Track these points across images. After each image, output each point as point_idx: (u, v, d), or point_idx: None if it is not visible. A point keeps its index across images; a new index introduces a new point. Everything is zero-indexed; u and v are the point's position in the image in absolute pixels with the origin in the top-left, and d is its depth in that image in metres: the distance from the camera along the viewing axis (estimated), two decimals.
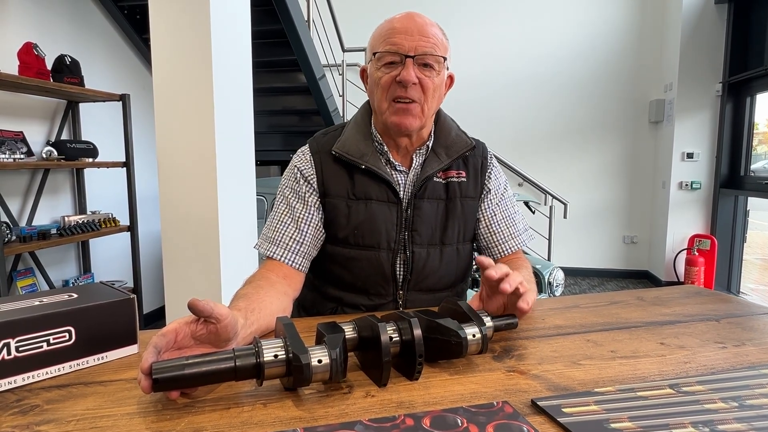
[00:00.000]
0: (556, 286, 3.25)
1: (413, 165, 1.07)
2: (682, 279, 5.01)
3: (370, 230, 1.03)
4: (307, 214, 1.03)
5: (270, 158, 4.99)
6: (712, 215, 4.97)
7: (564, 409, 0.59)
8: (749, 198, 4.77)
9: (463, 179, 1.09)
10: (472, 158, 1.12)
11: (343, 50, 4.57)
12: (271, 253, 1.00)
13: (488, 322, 0.76)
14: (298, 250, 1.01)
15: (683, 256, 5.04)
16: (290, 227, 1.02)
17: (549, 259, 4.51)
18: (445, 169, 1.08)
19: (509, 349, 0.79)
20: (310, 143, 1.10)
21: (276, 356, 0.61)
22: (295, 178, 1.07)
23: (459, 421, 0.56)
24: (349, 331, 0.71)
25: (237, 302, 0.81)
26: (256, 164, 2.58)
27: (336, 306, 1.09)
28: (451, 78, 1.07)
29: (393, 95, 0.99)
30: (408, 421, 0.56)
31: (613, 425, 0.55)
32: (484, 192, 1.12)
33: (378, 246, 1.02)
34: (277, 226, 1.03)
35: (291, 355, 0.61)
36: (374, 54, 1.00)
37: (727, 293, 3.40)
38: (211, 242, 2.25)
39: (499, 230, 1.10)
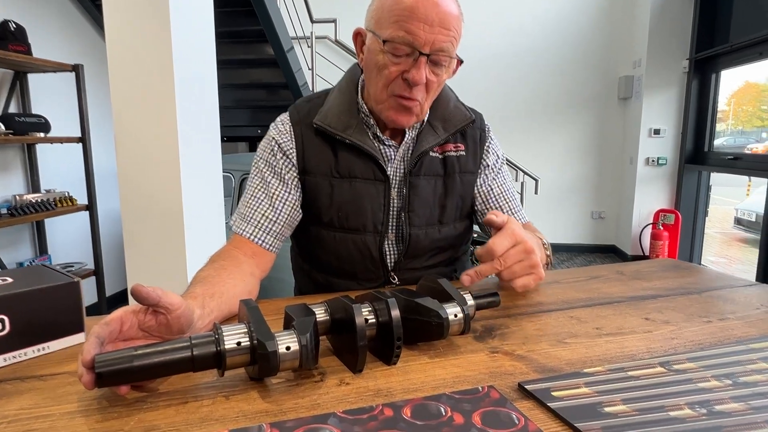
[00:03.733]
0: None
1: (405, 139, 0.99)
2: (647, 253, 5.14)
3: (354, 212, 0.95)
4: (283, 192, 0.95)
5: (237, 134, 4.82)
6: (676, 190, 5.09)
7: (553, 393, 0.55)
8: (711, 173, 4.89)
9: (461, 153, 1.02)
10: (471, 130, 1.04)
11: (312, 21, 4.40)
12: (241, 231, 0.93)
13: (470, 300, 0.71)
14: (270, 229, 0.93)
15: (648, 230, 5.15)
16: (263, 204, 0.94)
17: None
18: (442, 143, 1.00)
19: (491, 328, 0.75)
20: (291, 112, 1.00)
21: (239, 343, 0.55)
22: (272, 151, 0.97)
23: (442, 410, 0.52)
24: (320, 314, 0.65)
25: (194, 287, 0.74)
26: (223, 140, 2.46)
27: (327, 292, 1.02)
28: (458, 63, 0.90)
29: (395, 91, 0.87)
30: (387, 412, 0.51)
31: (607, 409, 0.52)
32: (482, 167, 1.05)
33: (363, 229, 0.96)
34: (250, 201, 0.95)
35: (256, 341, 0.54)
36: (382, 37, 0.84)
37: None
38: (175, 221, 2.15)
39: (497, 205, 1.05)
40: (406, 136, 0.98)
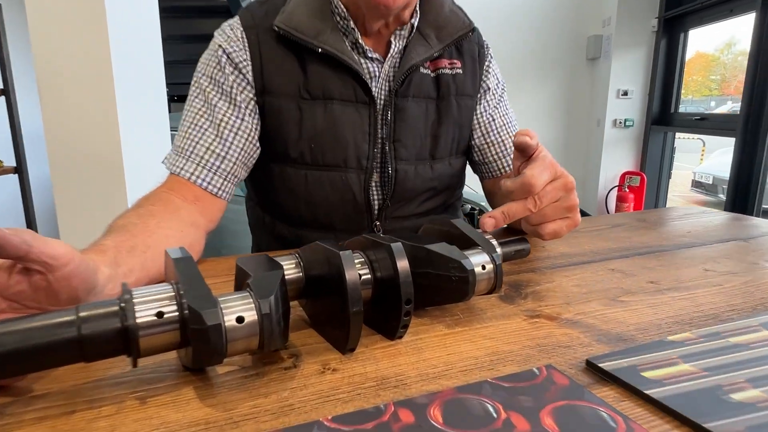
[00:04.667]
0: None
1: (391, 52, 0.77)
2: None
3: (332, 143, 0.74)
4: (234, 119, 0.72)
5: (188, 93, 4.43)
6: (642, 152, 5.07)
7: (644, 373, 0.37)
8: (676, 135, 4.89)
9: (458, 71, 0.81)
10: (468, 45, 0.83)
11: None
12: (178, 169, 0.70)
13: (497, 247, 0.53)
14: (218, 167, 0.70)
15: (614, 193, 5.14)
16: (208, 135, 0.71)
17: None
18: (435, 58, 0.79)
19: (517, 285, 0.56)
20: (242, 14, 0.76)
21: (160, 314, 0.34)
22: (219, 64, 0.73)
23: (490, 408, 0.33)
24: (290, 269, 0.45)
25: (105, 238, 0.52)
26: (172, 100, 2.16)
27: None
28: None
29: None
30: (403, 415, 0.32)
31: (735, 396, 0.34)
32: (482, 90, 0.85)
33: (345, 164, 0.74)
34: (190, 132, 0.71)
35: (187, 311, 0.34)
36: None
37: None
38: (116, 188, 1.86)
39: (499, 140, 0.85)
40: (392, 47, 0.76)
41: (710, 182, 6.63)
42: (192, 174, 0.69)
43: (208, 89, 0.72)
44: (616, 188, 5.17)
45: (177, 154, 0.71)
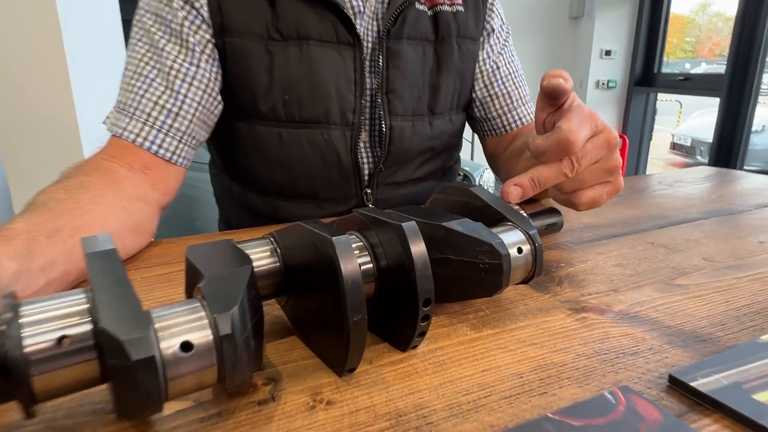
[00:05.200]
0: (487, 188, 3.05)
1: None
2: None
3: (310, 93, 0.60)
4: (187, 65, 0.57)
5: None
6: (624, 114, 5.01)
7: (756, 396, 0.27)
8: (657, 96, 4.83)
9: (459, 8, 0.68)
10: None
11: None
12: (120, 130, 0.56)
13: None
14: (171, 126, 0.57)
15: None
16: (155, 85, 0.56)
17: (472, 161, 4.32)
18: None
19: (546, 267, 0.46)
20: None
21: (63, 340, 0.22)
22: None
23: None
24: (263, 257, 0.33)
25: (15, 220, 0.39)
26: None
27: (270, 224, 0.69)
28: None
29: None
30: None
31: None
32: (485, 33, 0.72)
33: (326, 119, 0.62)
34: (132, 83, 0.57)
35: (102, 337, 0.22)
36: None
37: None
38: (71, 150, 1.69)
39: (504, 92, 0.72)
40: None
41: (689, 144, 6.65)
42: (138, 136, 0.55)
43: (152, 29, 0.57)
44: None
45: (119, 111, 0.57)
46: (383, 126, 0.63)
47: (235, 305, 0.24)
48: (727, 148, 3.83)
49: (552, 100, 0.43)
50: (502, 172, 0.75)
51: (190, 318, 0.24)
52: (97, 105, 1.74)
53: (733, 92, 3.71)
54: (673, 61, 5.30)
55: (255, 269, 0.32)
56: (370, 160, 0.65)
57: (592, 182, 0.45)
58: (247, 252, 0.32)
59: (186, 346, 0.23)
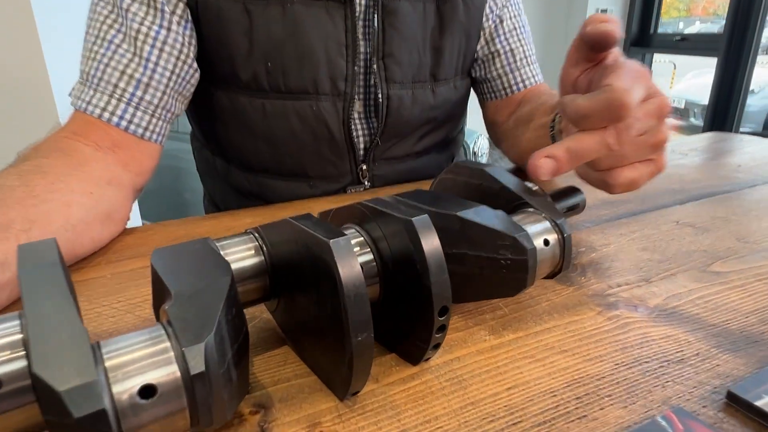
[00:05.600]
0: (481, 155, 2.99)
1: None
2: None
3: (296, 59, 0.54)
4: (156, 28, 0.50)
5: None
6: None
7: None
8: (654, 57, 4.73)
9: None
10: None
11: None
12: (84, 104, 0.50)
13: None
14: (141, 99, 0.50)
15: None
16: (121, 52, 0.49)
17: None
18: None
19: None
20: None
21: None
22: None
23: None
24: (245, 258, 0.28)
25: None
26: None
27: (258, 204, 0.63)
28: None
29: None
30: None
31: None
32: None
33: (315, 89, 0.55)
34: (95, 49, 0.50)
35: (36, 380, 0.17)
36: None
37: None
38: (45, 113, 1.60)
39: (507, 48, 0.65)
40: None
41: (682, 107, 6.59)
42: (105, 111, 0.49)
43: None
44: None
45: (82, 83, 0.50)
46: (379, 95, 0.57)
47: (210, 333, 0.19)
48: (724, 110, 3.78)
49: (595, 51, 0.37)
50: (503, 143, 0.68)
51: (151, 352, 0.19)
52: (72, 65, 1.65)
53: (731, 51, 3.63)
54: (667, 20, 5.17)
55: (237, 270, 0.27)
56: (366, 132, 0.60)
57: (633, 159, 0.36)
58: (227, 251, 0.27)
59: (146, 391, 0.18)
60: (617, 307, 0.33)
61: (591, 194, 0.55)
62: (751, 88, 3.87)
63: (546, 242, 0.30)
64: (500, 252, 0.29)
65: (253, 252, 0.28)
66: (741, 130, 3.79)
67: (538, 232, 0.30)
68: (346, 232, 0.28)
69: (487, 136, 0.79)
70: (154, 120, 0.52)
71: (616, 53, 0.37)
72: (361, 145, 0.60)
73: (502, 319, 0.32)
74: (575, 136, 0.33)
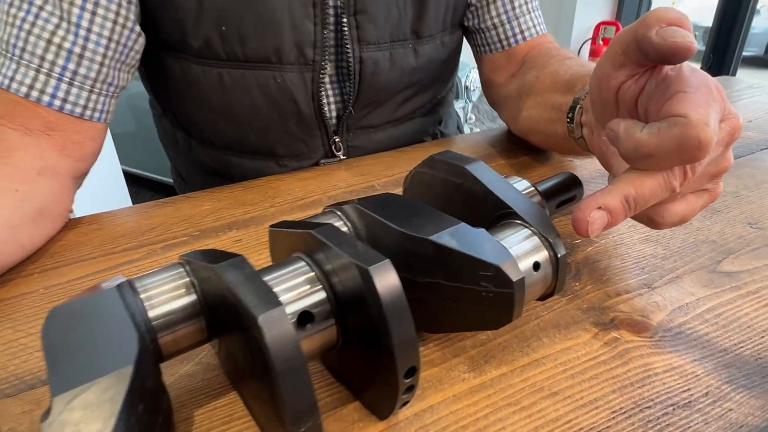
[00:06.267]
0: (473, 89, 2.87)
1: None
2: None
3: (253, 23, 0.46)
4: None
5: None
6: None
7: None
8: None
9: None
10: None
11: None
12: (6, 81, 0.42)
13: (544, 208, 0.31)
14: (75, 72, 0.43)
15: (588, 47, 4.82)
16: (45, 17, 0.41)
17: None
18: None
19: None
20: None
21: None
22: None
23: None
24: (175, 299, 0.23)
25: None
26: None
27: (222, 182, 0.57)
28: None
29: None
30: None
31: None
32: None
33: (278, 58, 0.48)
34: (14, 12, 0.42)
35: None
36: None
37: None
38: None
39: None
40: None
41: None
42: (32, 89, 0.42)
43: None
44: (590, 41, 4.85)
45: (4, 55, 0.43)
46: (350, 59, 0.49)
47: None
48: (728, 32, 3.62)
49: (655, 62, 0.26)
50: (503, 111, 0.59)
51: None
52: None
53: None
54: None
55: (165, 314, 0.23)
56: (338, 99, 0.53)
57: (688, 192, 0.29)
58: (150, 293, 0.23)
59: None
60: (616, 327, 0.29)
61: (583, 170, 0.50)
62: (757, 7, 3.69)
63: (536, 266, 0.25)
64: (481, 283, 0.24)
65: (183, 291, 0.24)
66: (744, 54, 3.65)
67: (527, 253, 0.26)
68: (293, 266, 0.24)
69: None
70: (93, 96, 0.45)
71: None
72: (333, 113, 0.53)
73: (484, 347, 0.28)
74: (632, 177, 0.25)
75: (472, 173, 0.29)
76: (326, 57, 0.49)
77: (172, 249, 0.39)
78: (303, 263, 0.24)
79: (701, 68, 0.44)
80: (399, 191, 0.47)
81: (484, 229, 0.26)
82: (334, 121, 0.54)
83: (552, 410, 0.24)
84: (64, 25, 0.42)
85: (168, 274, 0.24)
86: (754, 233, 0.38)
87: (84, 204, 1.44)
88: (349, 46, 0.49)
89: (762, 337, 0.28)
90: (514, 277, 0.24)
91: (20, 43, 0.42)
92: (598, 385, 0.25)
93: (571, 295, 0.32)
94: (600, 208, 0.25)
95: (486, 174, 0.29)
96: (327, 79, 0.51)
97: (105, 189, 1.64)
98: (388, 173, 0.51)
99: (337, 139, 0.54)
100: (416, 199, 0.34)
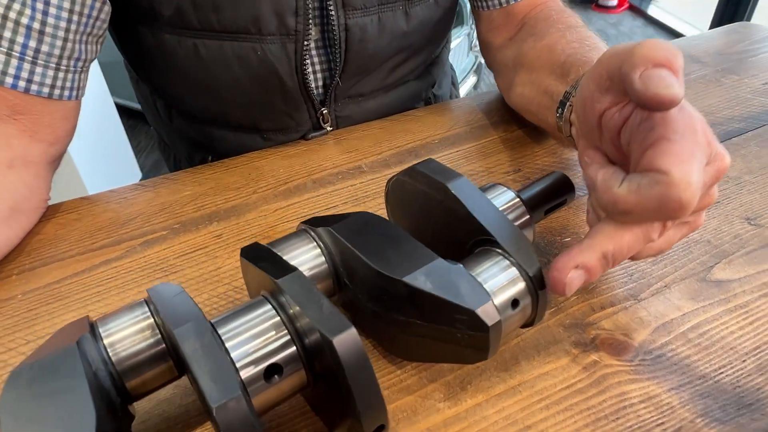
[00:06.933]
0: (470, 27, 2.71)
1: None
2: None
3: None
4: None
5: None
6: None
7: None
8: None
9: None
10: None
11: None
12: None
13: (526, 228, 0.30)
14: (36, 50, 0.39)
15: None
16: None
17: None
18: None
19: (546, 248, 0.36)
20: None
21: None
22: None
23: None
24: (140, 355, 0.23)
25: None
26: None
27: (209, 156, 0.55)
28: None
29: None
30: None
31: None
32: None
33: (258, 29, 0.44)
34: None
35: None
36: None
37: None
38: None
39: None
40: None
41: None
42: None
43: None
44: None
45: None
46: (334, 27, 0.45)
47: None
48: None
49: (637, 103, 0.23)
50: (497, 77, 0.54)
51: None
52: None
53: None
54: None
55: (131, 357, 0.22)
56: (324, 68, 0.49)
57: (670, 226, 0.27)
58: (117, 346, 0.22)
59: None
60: (596, 348, 0.29)
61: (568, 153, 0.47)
62: None
63: (515, 303, 0.25)
64: (456, 325, 0.23)
65: (148, 334, 0.23)
66: None
67: (505, 288, 0.25)
68: (258, 309, 0.23)
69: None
70: (61, 74, 0.42)
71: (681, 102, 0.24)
72: (320, 83, 0.50)
73: (462, 371, 0.28)
74: (610, 231, 0.24)
75: (453, 193, 0.27)
76: (310, 26, 0.45)
77: (152, 246, 0.38)
78: (269, 307, 0.23)
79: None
80: (386, 173, 0.45)
81: (461, 266, 0.25)
82: (321, 91, 0.51)
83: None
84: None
85: (131, 315, 0.24)
86: (751, 231, 0.36)
87: (79, 144, 1.40)
88: (333, 12, 0.45)
89: (743, 361, 0.28)
90: (490, 322, 0.23)
91: None
92: (572, 417, 0.25)
93: (554, 308, 0.31)
94: (578, 266, 0.23)
95: (467, 194, 0.27)
96: (312, 49, 0.48)
97: (98, 126, 1.59)
98: (375, 150, 0.48)
99: (324, 111, 0.51)
100: (398, 206, 0.33)
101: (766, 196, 0.40)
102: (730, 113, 0.52)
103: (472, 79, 1.78)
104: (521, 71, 0.46)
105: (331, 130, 0.53)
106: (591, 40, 0.42)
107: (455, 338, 0.24)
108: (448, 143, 0.49)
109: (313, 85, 0.49)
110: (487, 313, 0.23)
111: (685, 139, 0.22)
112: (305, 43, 0.45)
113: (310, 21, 0.44)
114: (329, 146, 0.50)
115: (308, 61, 0.48)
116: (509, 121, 0.52)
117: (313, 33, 0.47)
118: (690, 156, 0.22)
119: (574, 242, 0.36)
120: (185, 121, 0.53)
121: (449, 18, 0.55)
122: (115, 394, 0.22)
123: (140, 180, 1.85)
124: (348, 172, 0.46)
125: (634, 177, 0.23)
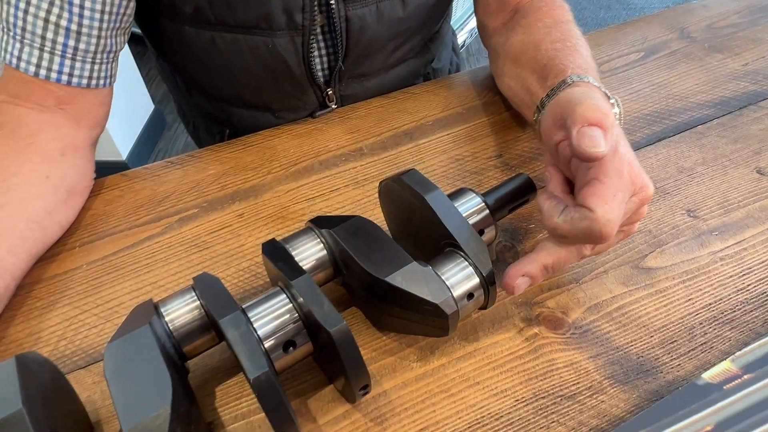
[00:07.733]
0: None
1: None
2: None
3: None
4: None
5: None
6: None
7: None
8: None
9: None
10: None
11: None
12: (15, 60, 0.44)
13: (488, 229, 0.37)
14: (75, 48, 0.45)
15: None
16: None
17: None
18: None
19: (513, 233, 0.43)
20: None
21: None
22: None
23: None
24: (188, 326, 0.31)
25: None
26: None
27: (226, 130, 0.62)
28: None
29: None
30: None
31: None
32: None
33: (268, 25, 0.48)
34: None
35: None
36: None
37: None
38: None
39: None
40: None
41: None
42: (39, 67, 0.45)
43: None
44: None
45: (5, 31, 0.45)
46: (335, 18, 0.50)
47: None
48: None
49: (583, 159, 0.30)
50: (491, 63, 0.57)
51: None
52: None
53: None
54: None
55: (185, 327, 0.31)
56: (329, 53, 0.54)
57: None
58: (173, 315, 0.31)
59: None
60: (538, 323, 0.37)
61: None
62: None
63: (470, 296, 0.32)
64: (425, 313, 0.31)
65: (197, 314, 0.31)
66: None
67: (463, 283, 0.32)
68: (277, 298, 0.31)
69: None
70: (96, 66, 0.47)
71: (616, 147, 0.31)
72: (326, 67, 0.55)
73: (432, 339, 0.36)
74: (551, 249, 0.33)
75: (429, 204, 0.34)
76: (315, 20, 0.50)
77: (186, 223, 0.46)
78: (283, 296, 0.31)
79: None
80: (384, 156, 0.51)
81: (429, 268, 0.32)
82: (326, 74, 0.56)
83: (472, 397, 0.33)
84: (57, 2, 0.44)
85: (183, 299, 0.32)
86: (687, 223, 0.43)
87: None
88: (334, 5, 0.49)
89: (652, 336, 0.36)
90: (449, 311, 0.31)
91: (20, 23, 0.44)
92: (512, 377, 0.34)
93: (520, 320, 0.39)
94: (524, 275, 0.32)
95: (440, 204, 0.34)
96: (318, 39, 0.52)
97: None
98: (375, 132, 0.54)
99: (329, 92, 0.57)
100: (388, 204, 0.40)
101: (711, 188, 0.46)
102: (703, 98, 0.56)
103: (473, 22, 1.75)
104: (509, 62, 0.51)
105: (336, 108, 0.59)
106: (572, 40, 0.47)
107: (425, 321, 0.32)
108: (440, 125, 0.55)
109: (318, 71, 0.54)
110: (447, 305, 0.31)
111: (611, 181, 0.29)
112: (311, 35, 0.50)
113: (316, 15, 0.49)
114: (334, 125, 0.56)
115: (314, 48, 0.53)
116: (498, 102, 0.57)
117: (318, 23, 0.51)
118: (612, 197, 0.29)
119: (537, 227, 0.43)
120: (203, 97, 0.59)
121: (443, 7, 0.59)
122: (177, 356, 0.31)
123: (153, 111, 1.88)
124: (350, 153, 0.52)
125: (569, 211, 0.30)
